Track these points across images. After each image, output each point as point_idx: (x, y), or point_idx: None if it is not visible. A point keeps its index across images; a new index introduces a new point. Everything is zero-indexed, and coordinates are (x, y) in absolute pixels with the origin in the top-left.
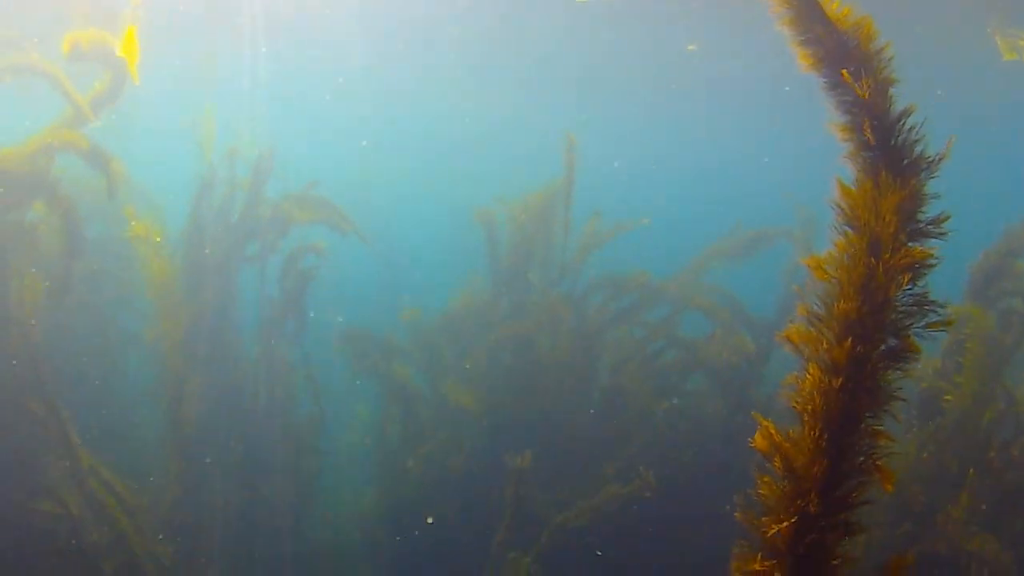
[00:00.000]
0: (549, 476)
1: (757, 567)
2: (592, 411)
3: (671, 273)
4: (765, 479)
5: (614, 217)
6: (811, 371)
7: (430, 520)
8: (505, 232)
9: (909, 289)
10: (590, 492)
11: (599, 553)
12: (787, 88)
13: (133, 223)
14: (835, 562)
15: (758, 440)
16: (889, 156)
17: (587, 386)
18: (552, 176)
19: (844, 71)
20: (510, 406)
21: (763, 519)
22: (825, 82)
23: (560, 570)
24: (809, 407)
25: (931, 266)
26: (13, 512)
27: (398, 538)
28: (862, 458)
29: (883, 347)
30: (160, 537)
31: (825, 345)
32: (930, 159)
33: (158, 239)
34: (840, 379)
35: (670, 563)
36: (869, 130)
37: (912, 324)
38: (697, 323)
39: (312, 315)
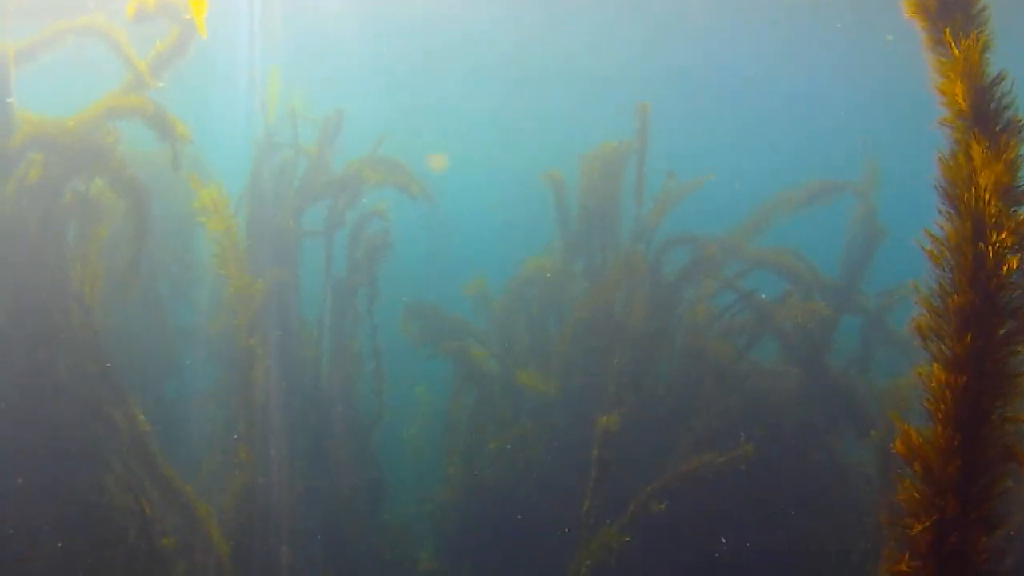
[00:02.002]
0: (629, 445)
1: (904, 568)
2: (669, 376)
3: (731, 227)
4: (905, 482)
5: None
6: (935, 370)
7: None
8: (574, 195)
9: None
10: (672, 461)
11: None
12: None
13: (202, 194)
14: (979, 558)
15: (898, 445)
16: (984, 124)
17: (663, 350)
18: (612, 136)
19: (947, 31)
20: (587, 374)
21: (906, 520)
22: (927, 37)
23: (649, 541)
24: (941, 406)
25: None
26: (80, 510)
27: (481, 512)
28: (996, 450)
29: (1003, 332)
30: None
31: (946, 341)
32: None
33: (227, 212)
34: (964, 376)
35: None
36: (962, 96)
37: None
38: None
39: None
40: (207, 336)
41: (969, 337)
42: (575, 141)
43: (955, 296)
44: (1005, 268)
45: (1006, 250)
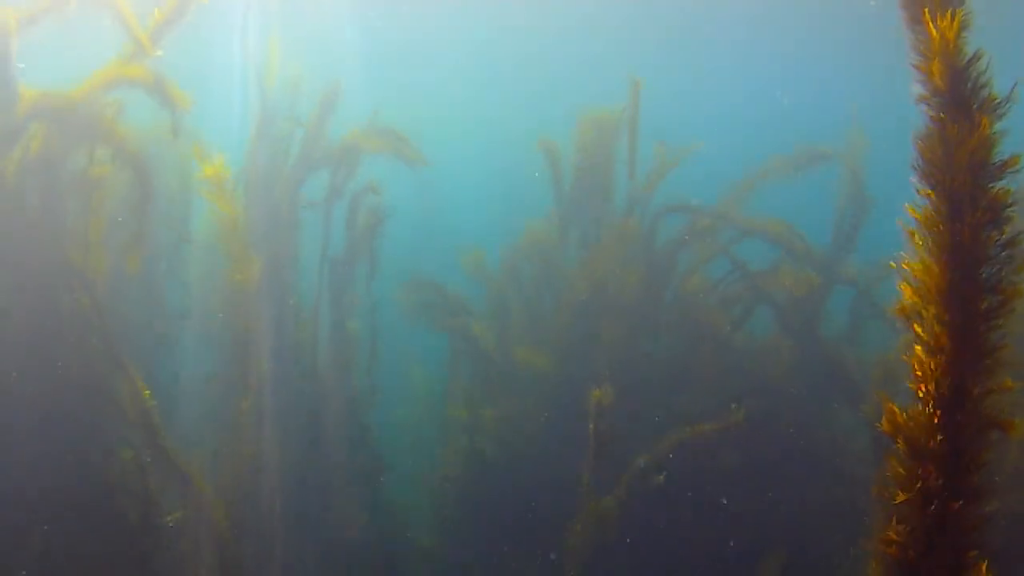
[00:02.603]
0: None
1: (892, 535)
2: (664, 347)
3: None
4: (892, 457)
5: (658, 139)
6: (917, 350)
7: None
8: (567, 163)
9: (999, 239)
10: (669, 430)
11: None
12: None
13: (204, 166)
14: (965, 525)
15: (884, 423)
16: (960, 103)
17: (658, 320)
18: (600, 102)
19: (925, 10)
20: (582, 345)
21: (893, 490)
22: (905, 15)
23: (647, 510)
24: (923, 385)
25: (1012, 206)
26: (82, 488)
27: (477, 490)
28: (979, 423)
29: (983, 307)
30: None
31: (927, 320)
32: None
33: (228, 183)
34: (945, 354)
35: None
36: (939, 75)
37: (1010, 273)
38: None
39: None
40: (203, 313)
41: (948, 315)
42: (572, 112)
43: (934, 274)
44: (981, 247)
45: (982, 226)
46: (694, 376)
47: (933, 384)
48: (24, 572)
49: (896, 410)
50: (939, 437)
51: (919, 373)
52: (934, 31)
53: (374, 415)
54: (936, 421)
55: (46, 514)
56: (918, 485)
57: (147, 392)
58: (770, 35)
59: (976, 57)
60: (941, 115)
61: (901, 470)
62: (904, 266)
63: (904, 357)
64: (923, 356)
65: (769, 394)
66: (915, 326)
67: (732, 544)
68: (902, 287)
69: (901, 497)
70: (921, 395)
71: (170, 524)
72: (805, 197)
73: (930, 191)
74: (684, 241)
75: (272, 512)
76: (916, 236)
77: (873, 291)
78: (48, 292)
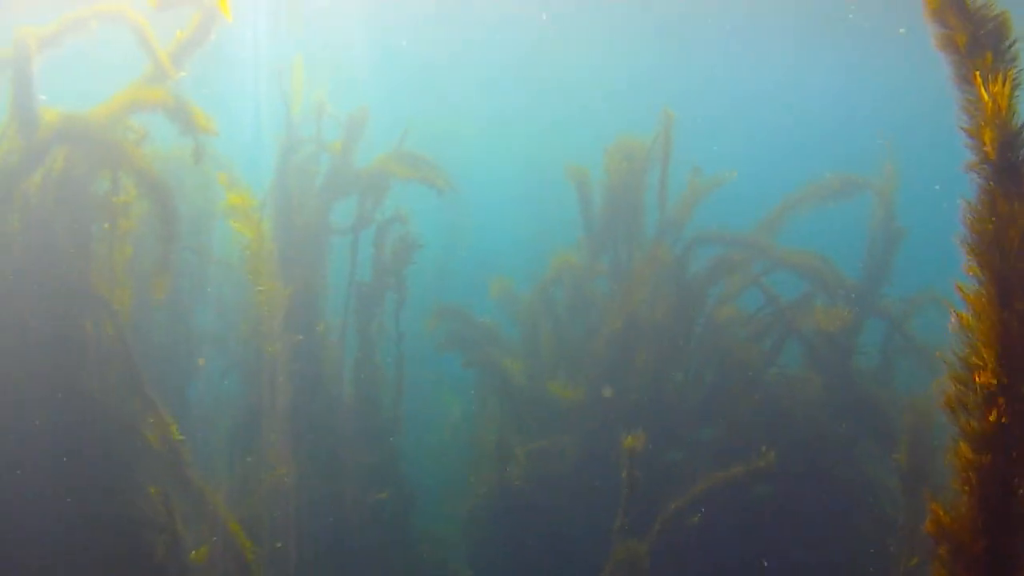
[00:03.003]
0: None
1: None
2: (695, 380)
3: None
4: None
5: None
6: (962, 446)
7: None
8: (598, 191)
9: None
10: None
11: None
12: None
13: (229, 194)
14: None
15: (928, 525)
16: (1012, 177)
17: (689, 353)
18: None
19: (976, 72)
20: (614, 375)
21: None
22: (954, 72)
23: (679, 552)
24: (967, 486)
25: None
26: (107, 523)
27: (505, 526)
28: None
29: None
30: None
31: (973, 415)
32: None
33: (256, 215)
34: (990, 454)
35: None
36: (990, 143)
37: None
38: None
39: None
40: (229, 339)
41: (995, 414)
42: (600, 142)
43: (981, 370)
44: None
45: None
46: (724, 409)
47: (978, 482)
48: None
49: (940, 511)
50: (984, 543)
51: (964, 471)
52: (986, 95)
53: (401, 446)
54: (981, 525)
55: (68, 546)
56: None
57: (173, 425)
58: (799, 61)
59: None
60: (991, 186)
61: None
62: (947, 356)
63: (939, 402)
64: (968, 452)
65: (798, 430)
66: (960, 418)
67: None
68: (948, 378)
69: None
70: (966, 494)
71: (194, 560)
72: (830, 224)
73: (978, 270)
74: (716, 272)
75: (298, 546)
76: (964, 319)
77: (905, 326)
78: (71, 319)
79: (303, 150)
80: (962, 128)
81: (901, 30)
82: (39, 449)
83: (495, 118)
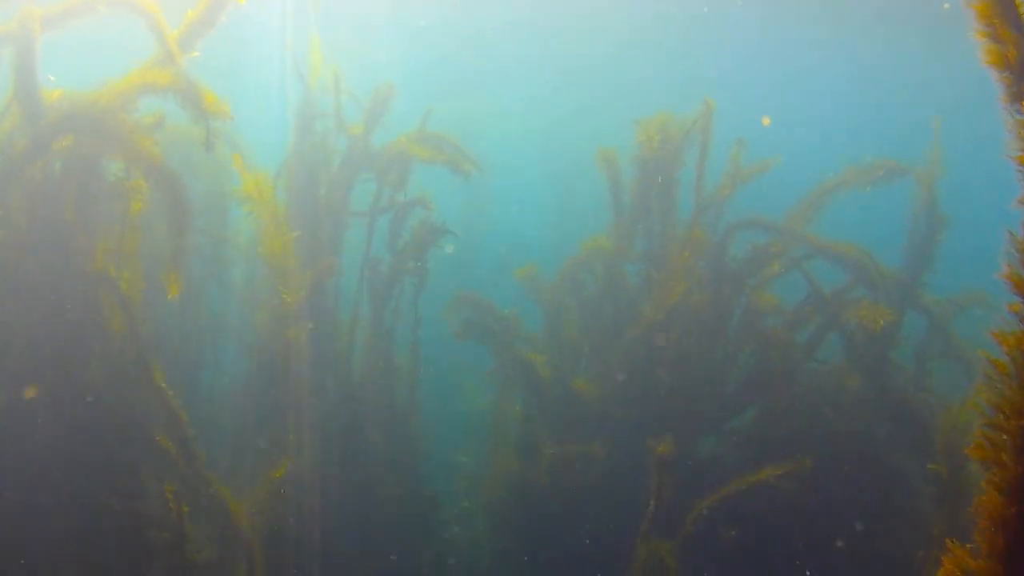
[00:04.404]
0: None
1: None
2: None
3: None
4: None
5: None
6: (989, 494)
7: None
8: (628, 172)
9: None
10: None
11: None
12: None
13: (244, 178)
14: None
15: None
16: None
17: (726, 337)
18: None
19: None
20: (644, 367)
21: None
22: (1004, 92)
23: (707, 553)
24: (990, 537)
25: None
26: (108, 517)
27: (531, 533)
28: None
29: None
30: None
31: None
32: None
33: (273, 199)
34: (1018, 507)
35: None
36: None
37: None
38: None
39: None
40: (244, 323)
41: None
42: (629, 126)
43: (1013, 417)
44: None
45: None
46: (760, 399)
47: (1003, 535)
48: None
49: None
50: None
51: (988, 521)
52: None
53: (421, 434)
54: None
55: (70, 544)
56: None
57: (184, 416)
58: (841, 47)
59: None
60: None
61: None
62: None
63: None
64: (995, 501)
65: (834, 425)
66: (992, 468)
67: None
68: (985, 423)
69: None
70: (987, 546)
71: (200, 561)
72: (867, 215)
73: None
74: (756, 259)
75: (313, 541)
76: (1001, 366)
77: (946, 327)
78: (77, 302)
79: (321, 126)
80: (1014, 156)
81: (946, 5)
82: (42, 436)
83: (520, 102)
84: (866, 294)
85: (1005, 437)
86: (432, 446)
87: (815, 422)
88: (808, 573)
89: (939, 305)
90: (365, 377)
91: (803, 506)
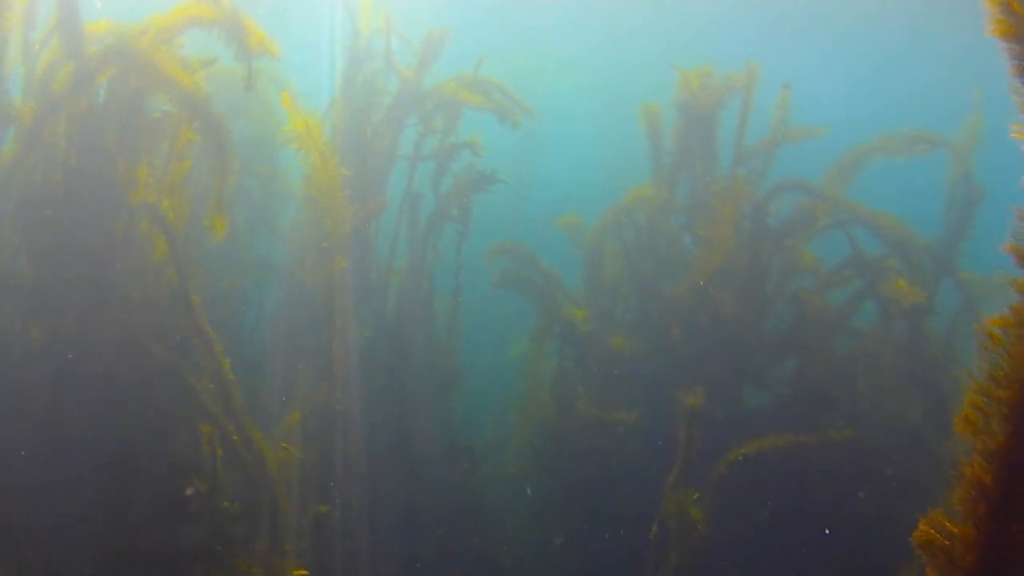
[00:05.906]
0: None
1: None
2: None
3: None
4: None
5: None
6: (975, 461)
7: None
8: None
9: None
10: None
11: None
12: None
13: (292, 116)
14: None
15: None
16: None
17: (765, 294)
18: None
19: None
20: (686, 318)
21: None
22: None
23: (733, 507)
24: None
25: None
26: (142, 469)
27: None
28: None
29: None
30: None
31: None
32: None
33: (322, 140)
34: (993, 473)
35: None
36: None
37: None
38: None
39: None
40: (288, 268)
41: (1004, 436)
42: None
43: (1004, 387)
44: None
45: None
46: (798, 355)
47: (976, 499)
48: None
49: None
50: (972, 558)
51: (965, 486)
52: None
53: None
54: (973, 540)
55: (106, 485)
56: None
57: (225, 360)
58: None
59: None
60: None
61: None
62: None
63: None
64: (980, 467)
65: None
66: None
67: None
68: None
69: None
70: (962, 509)
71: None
72: (904, 190)
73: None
74: (798, 219)
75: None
76: (997, 338)
77: (976, 304)
78: (121, 237)
79: (369, 68)
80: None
81: None
82: (77, 375)
83: (572, 58)
84: (902, 264)
85: (995, 406)
86: (466, 398)
87: (848, 389)
88: (830, 533)
89: (974, 283)
90: (403, 314)
91: (836, 471)
